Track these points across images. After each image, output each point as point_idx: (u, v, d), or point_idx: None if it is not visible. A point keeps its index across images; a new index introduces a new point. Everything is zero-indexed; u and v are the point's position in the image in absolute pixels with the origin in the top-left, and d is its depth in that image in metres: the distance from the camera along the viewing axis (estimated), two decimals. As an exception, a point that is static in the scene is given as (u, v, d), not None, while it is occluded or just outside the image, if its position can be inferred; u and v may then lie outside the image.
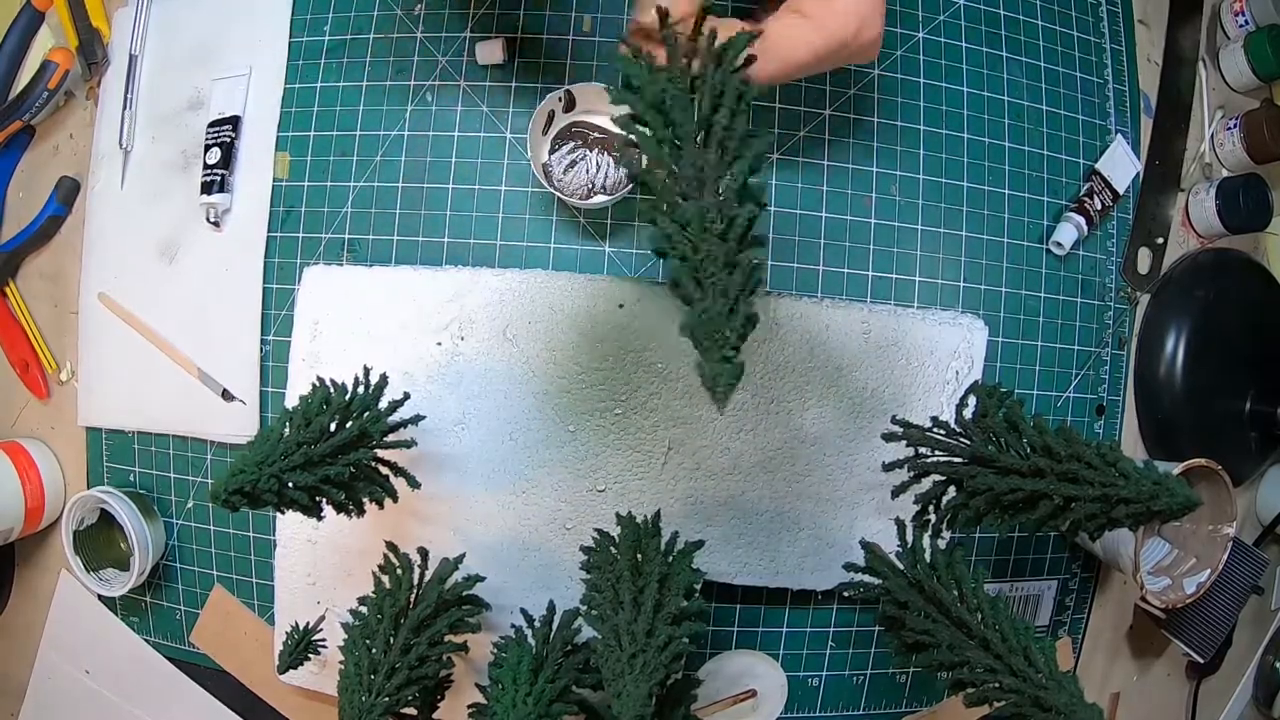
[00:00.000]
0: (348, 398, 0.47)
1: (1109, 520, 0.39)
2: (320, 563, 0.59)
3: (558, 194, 0.56)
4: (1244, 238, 0.71)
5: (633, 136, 0.35)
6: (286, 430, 0.42)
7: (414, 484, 0.49)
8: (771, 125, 0.60)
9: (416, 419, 0.51)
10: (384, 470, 0.48)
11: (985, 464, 0.45)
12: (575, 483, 0.56)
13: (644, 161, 0.35)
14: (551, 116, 0.57)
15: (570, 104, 0.57)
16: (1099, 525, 0.40)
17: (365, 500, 0.47)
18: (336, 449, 0.44)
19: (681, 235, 0.32)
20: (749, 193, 0.33)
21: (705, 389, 0.31)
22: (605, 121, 0.58)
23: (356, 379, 0.49)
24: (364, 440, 0.46)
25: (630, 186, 0.56)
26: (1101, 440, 0.42)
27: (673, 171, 0.33)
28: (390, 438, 0.49)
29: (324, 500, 0.43)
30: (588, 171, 0.57)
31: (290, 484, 0.40)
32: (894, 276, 0.60)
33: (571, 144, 0.58)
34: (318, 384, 0.46)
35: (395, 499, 0.48)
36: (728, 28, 0.41)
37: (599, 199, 0.56)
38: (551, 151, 0.58)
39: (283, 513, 0.42)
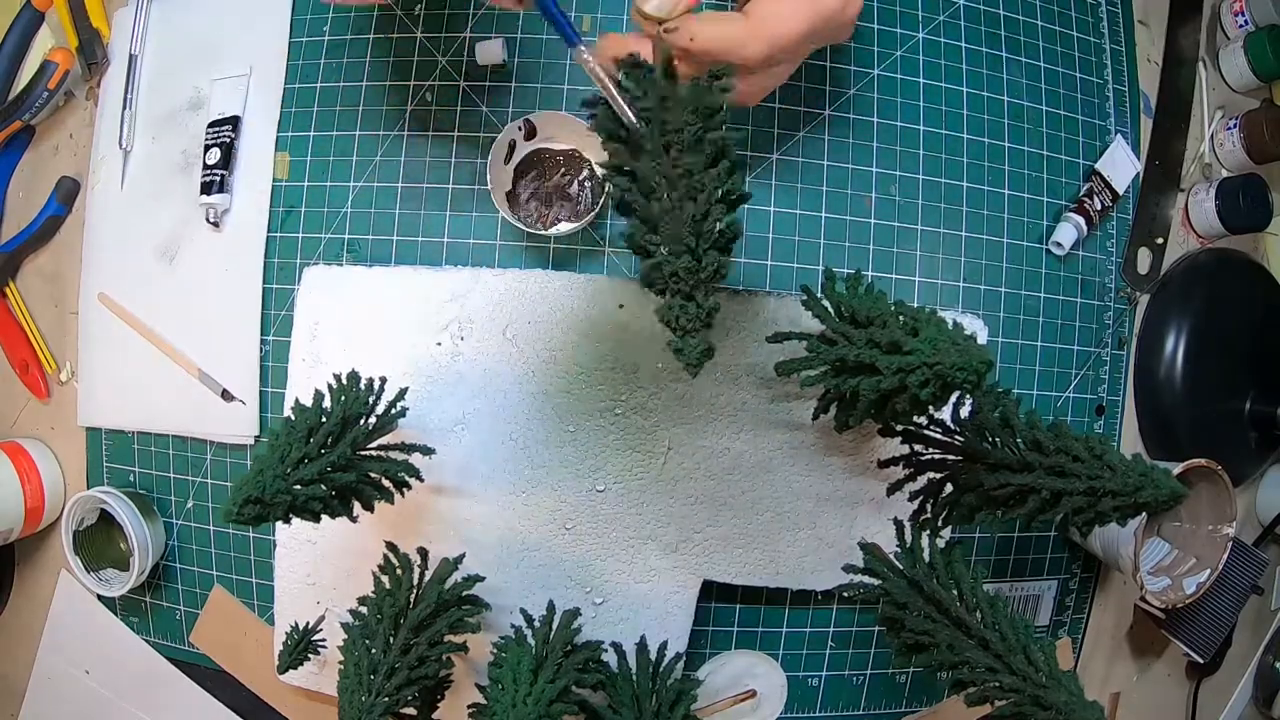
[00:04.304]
0: (345, 400, 0.47)
1: (1096, 514, 0.39)
2: (320, 563, 0.59)
3: (523, 226, 0.56)
4: (1244, 238, 0.71)
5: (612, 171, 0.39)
6: (290, 446, 0.42)
7: (417, 477, 0.49)
8: (771, 125, 0.60)
9: (404, 411, 0.50)
10: (392, 472, 0.48)
11: (979, 460, 0.45)
12: (575, 483, 0.56)
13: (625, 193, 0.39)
14: (513, 146, 0.57)
15: (531, 132, 0.57)
16: (1087, 519, 0.40)
17: (363, 502, 0.47)
18: (342, 459, 0.44)
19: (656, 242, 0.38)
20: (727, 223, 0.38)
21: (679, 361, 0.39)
22: (568, 146, 0.58)
23: (356, 379, 0.49)
24: (370, 446, 0.46)
25: (594, 214, 0.56)
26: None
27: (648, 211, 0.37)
28: (408, 442, 0.49)
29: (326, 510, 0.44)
30: (551, 199, 0.58)
31: (301, 498, 0.41)
32: (894, 276, 0.60)
33: (534, 172, 0.58)
34: (316, 394, 0.46)
35: (392, 501, 0.48)
36: (713, 21, 0.42)
37: (564, 227, 0.56)
38: (516, 181, 0.58)
39: (288, 522, 0.42)
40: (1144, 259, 0.67)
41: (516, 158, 0.58)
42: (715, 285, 0.38)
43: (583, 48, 0.40)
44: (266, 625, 0.62)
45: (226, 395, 0.61)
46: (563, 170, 0.58)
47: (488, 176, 0.55)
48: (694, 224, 0.37)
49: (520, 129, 0.56)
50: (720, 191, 0.37)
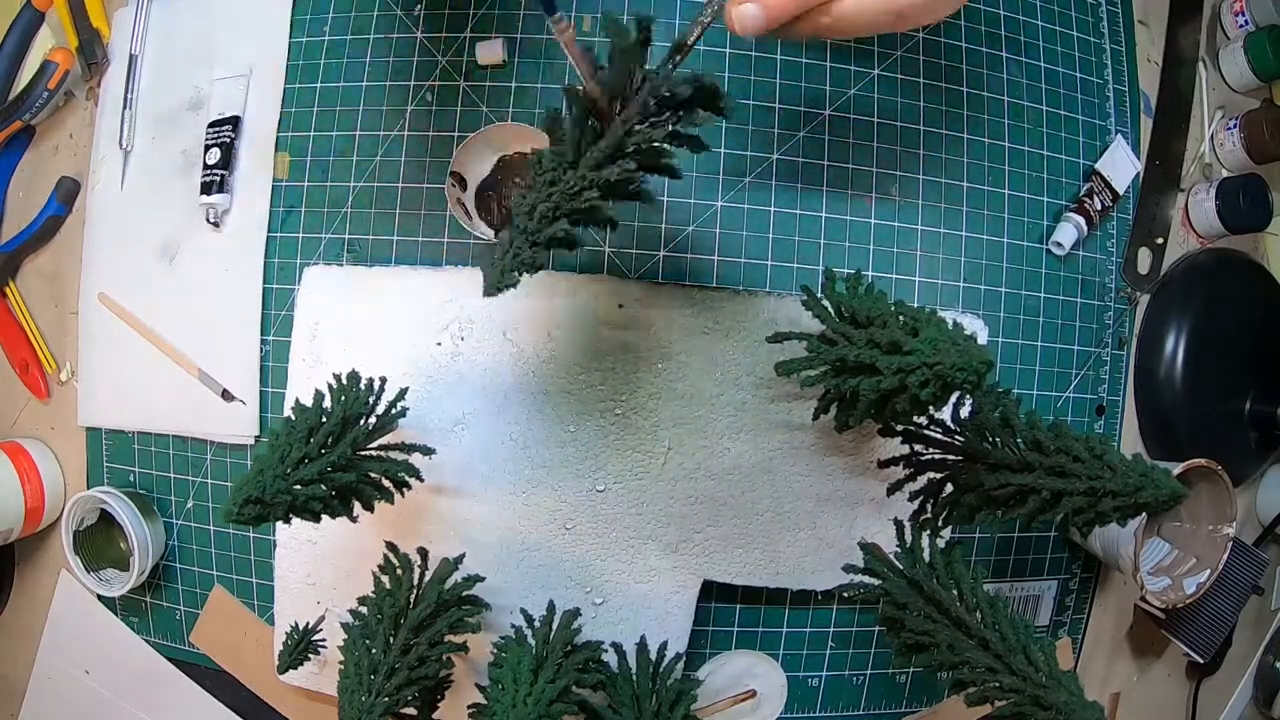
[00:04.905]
0: (345, 400, 0.47)
1: (1096, 514, 0.39)
2: (320, 563, 0.59)
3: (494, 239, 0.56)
4: (1244, 238, 0.71)
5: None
6: (290, 446, 0.42)
7: (417, 477, 0.49)
8: (772, 125, 0.60)
9: (404, 411, 0.50)
10: (392, 472, 0.48)
11: (979, 460, 0.45)
12: (575, 483, 0.56)
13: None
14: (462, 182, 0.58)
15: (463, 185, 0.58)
16: (1088, 519, 0.40)
17: (363, 502, 0.47)
18: (342, 459, 0.44)
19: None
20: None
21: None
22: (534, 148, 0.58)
23: (356, 379, 0.49)
24: (370, 446, 0.46)
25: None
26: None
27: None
28: (408, 442, 0.49)
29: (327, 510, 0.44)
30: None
31: (301, 498, 0.41)
32: (894, 276, 0.60)
33: (505, 178, 0.58)
34: (316, 394, 0.46)
35: (392, 501, 0.48)
36: None
37: None
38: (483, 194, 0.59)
39: (288, 522, 0.42)
40: (1144, 259, 0.67)
41: (475, 183, 0.58)
42: (548, 242, 0.40)
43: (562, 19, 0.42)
44: (266, 625, 0.62)
45: (226, 395, 0.61)
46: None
47: (456, 216, 0.56)
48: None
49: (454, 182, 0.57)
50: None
